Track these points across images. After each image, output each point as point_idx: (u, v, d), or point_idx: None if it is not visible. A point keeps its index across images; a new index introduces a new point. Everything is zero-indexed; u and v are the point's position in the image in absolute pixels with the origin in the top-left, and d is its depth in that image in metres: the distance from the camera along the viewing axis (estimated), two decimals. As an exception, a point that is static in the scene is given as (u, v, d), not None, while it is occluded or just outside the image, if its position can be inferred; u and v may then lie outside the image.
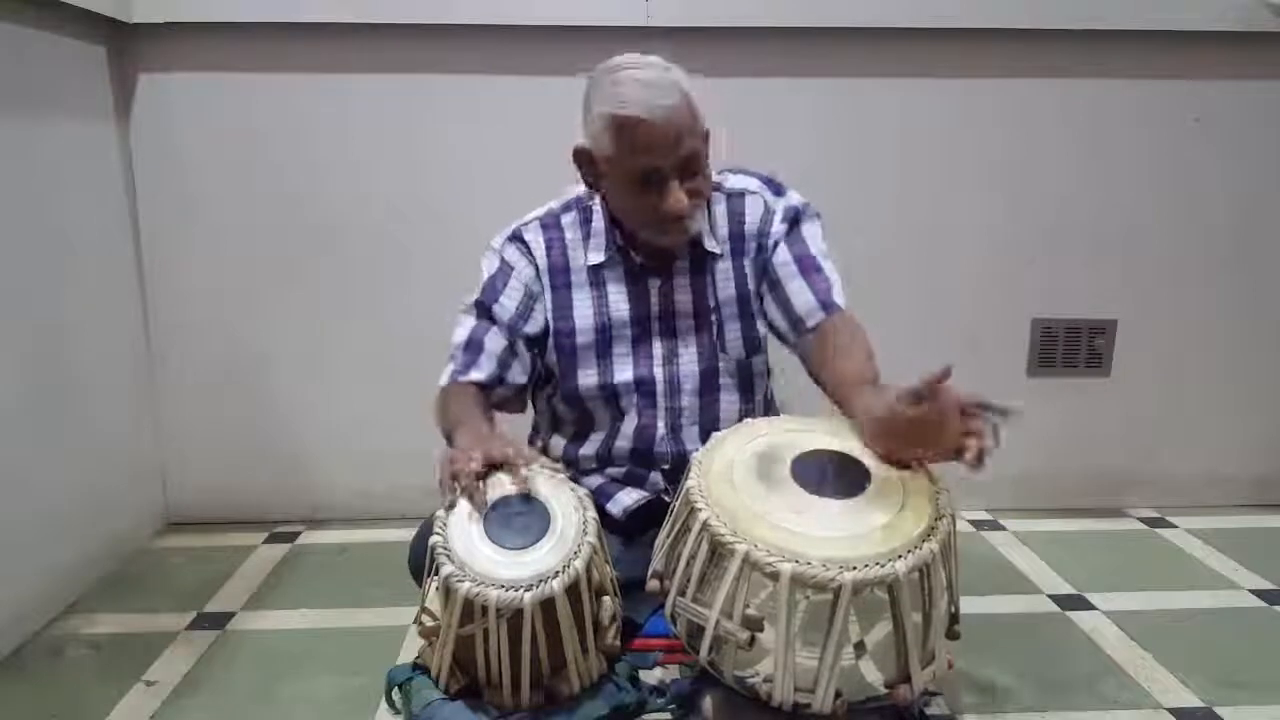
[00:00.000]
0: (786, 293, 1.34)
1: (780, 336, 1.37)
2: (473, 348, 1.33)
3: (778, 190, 1.39)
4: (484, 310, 1.34)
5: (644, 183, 1.22)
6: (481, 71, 1.81)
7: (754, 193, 1.38)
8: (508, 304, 1.34)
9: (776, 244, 1.35)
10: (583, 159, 1.29)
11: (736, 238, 1.37)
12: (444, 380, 1.33)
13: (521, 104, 1.80)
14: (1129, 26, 1.82)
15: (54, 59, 1.60)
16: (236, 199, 1.85)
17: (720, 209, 1.38)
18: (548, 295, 1.36)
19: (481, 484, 1.13)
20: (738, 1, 1.77)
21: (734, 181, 1.39)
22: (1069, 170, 1.93)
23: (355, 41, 1.78)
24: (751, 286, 1.37)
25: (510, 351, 1.33)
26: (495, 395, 1.34)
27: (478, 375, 1.32)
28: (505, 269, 1.36)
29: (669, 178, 1.21)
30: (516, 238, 1.37)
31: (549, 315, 1.36)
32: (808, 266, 1.34)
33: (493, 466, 1.15)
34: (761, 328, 1.39)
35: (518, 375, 1.35)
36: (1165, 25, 1.82)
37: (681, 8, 1.74)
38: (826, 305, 1.31)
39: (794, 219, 1.36)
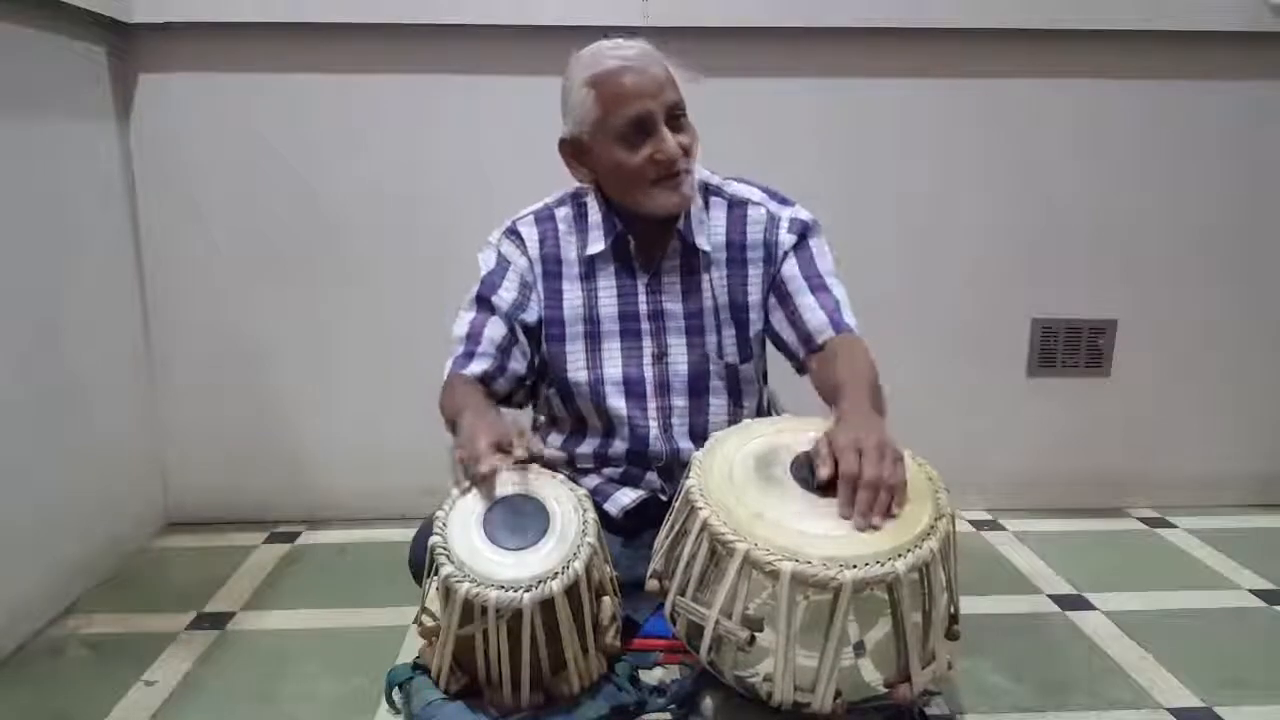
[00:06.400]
0: (797, 308, 1.34)
1: (787, 350, 1.37)
2: (473, 339, 1.34)
3: (783, 201, 1.39)
4: (483, 302, 1.36)
5: (635, 134, 1.24)
6: (481, 71, 1.81)
7: (757, 203, 1.38)
8: (506, 295, 1.35)
9: (785, 255, 1.35)
10: (568, 149, 1.32)
11: (736, 246, 1.37)
12: (447, 372, 1.34)
13: (521, 104, 1.80)
14: (1129, 26, 1.82)
15: (54, 59, 1.60)
16: (236, 199, 1.85)
17: (720, 214, 1.38)
18: (539, 285, 1.37)
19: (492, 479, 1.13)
20: (736, 1, 1.77)
21: (737, 189, 1.40)
22: (1069, 170, 1.93)
23: (355, 41, 1.78)
24: (754, 297, 1.37)
25: (510, 339, 1.34)
26: (497, 386, 1.35)
27: (479, 366, 1.32)
28: (502, 262, 1.38)
29: (659, 122, 1.24)
30: (512, 232, 1.39)
31: (541, 304, 1.37)
32: (818, 285, 1.35)
33: (499, 449, 1.13)
34: (756, 336, 1.39)
35: (518, 364, 1.35)
36: (1165, 25, 1.82)
37: (679, 8, 1.74)
38: (837, 324, 1.32)
39: (802, 233, 1.36)
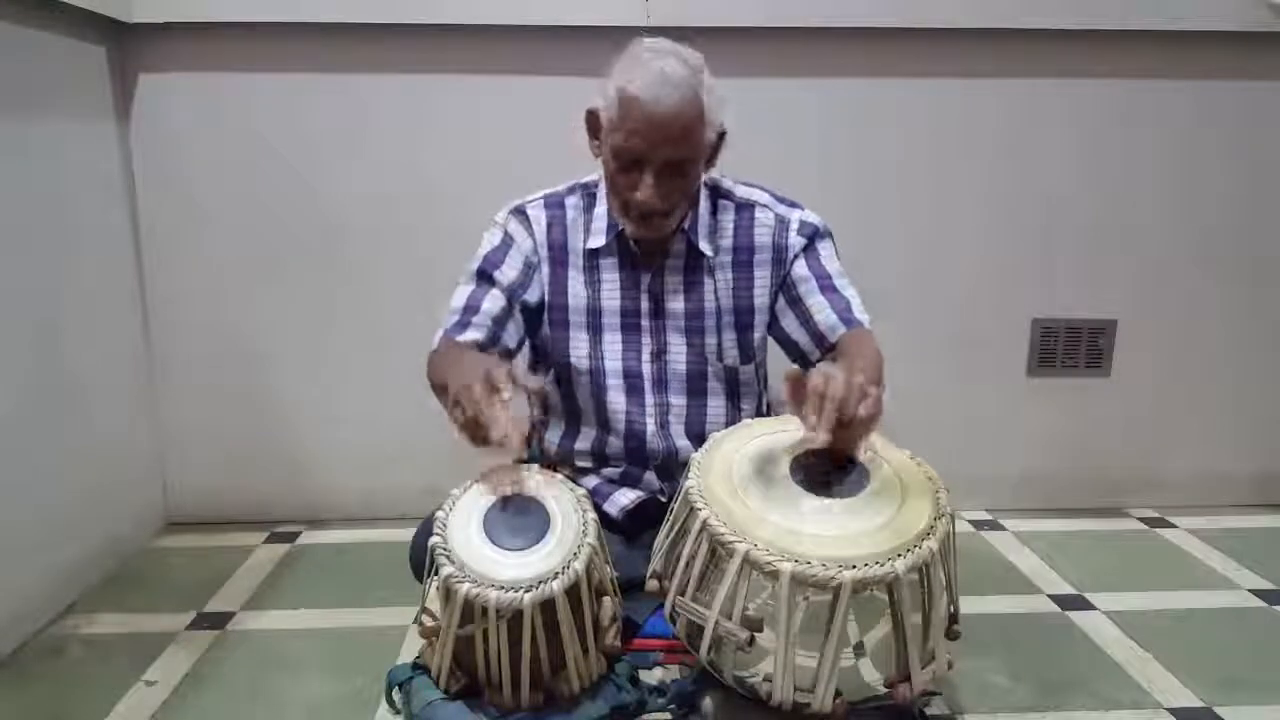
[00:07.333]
0: (809, 308, 1.35)
1: (799, 352, 1.37)
2: (470, 310, 1.32)
3: (791, 204, 1.40)
4: (483, 276, 1.35)
5: (626, 163, 1.24)
6: (481, 71, 1.81)
7: (765, 206, 1.38)
8: (508, 271, 1.35)
9: (795, 257, 1.36)
10: (591, 120, 1.32)
11: (744, 249, 1.37)
12: (436, 339, 1.31)
13: (521, 104, 1.80)
14: (1129, 26, 1.82)
15: (54, 59, 1.60)
16: (237, 198, 1.85)
17: (728, 217, 1.38)
18: (545, 269, 1.38)
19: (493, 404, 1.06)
20: (736, 1, 1.77)
21: (744, 192, 1.40)
22: (1069, 170, 1.93)
23: (356, 41, 1.78)
24: (761, 300, 1.38)
25: (507, 312, 1.33)
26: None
27: (473, 336, 1.30)
28: (507, 240, 1.37)
29: (647, 169, 1.23)
30: (519, 212, 1.39)
31: (545, 289, 1.37)
32: (827, 285, 1.35)
33: (490, 386, 1.06)
34: (760, 340, 1.39)
35: (511, 338, 1.34)
36: (1165, 25, 1.82)
37: (681, 7, 1.74)
38: (849, 322, 1.32)
39: (811, 235, 1.37)
